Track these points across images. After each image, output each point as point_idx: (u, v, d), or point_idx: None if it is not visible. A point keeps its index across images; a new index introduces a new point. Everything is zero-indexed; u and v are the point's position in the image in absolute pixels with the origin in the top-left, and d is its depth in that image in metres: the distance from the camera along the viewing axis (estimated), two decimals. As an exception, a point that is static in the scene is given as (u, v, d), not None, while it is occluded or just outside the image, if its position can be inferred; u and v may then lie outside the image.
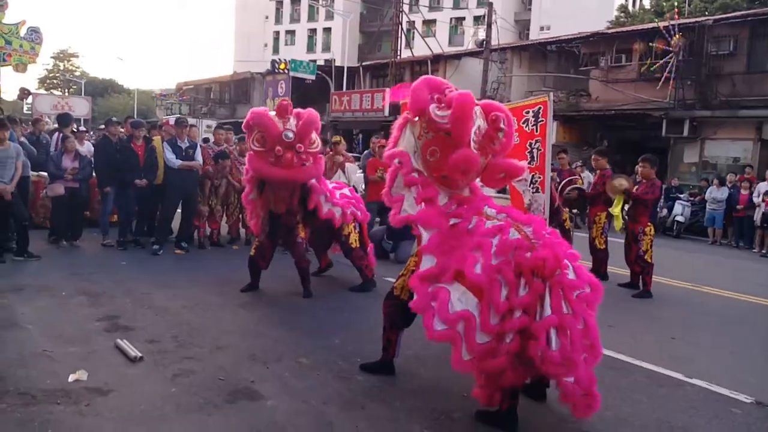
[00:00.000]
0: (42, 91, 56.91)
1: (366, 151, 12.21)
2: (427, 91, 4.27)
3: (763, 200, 14.46)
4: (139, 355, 4.92)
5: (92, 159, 9.73)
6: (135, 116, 18.15)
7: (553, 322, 3.81)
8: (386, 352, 4.87)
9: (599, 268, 9.47)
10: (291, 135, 6.44)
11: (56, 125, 11.50)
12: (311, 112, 6.72)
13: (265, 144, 6.47)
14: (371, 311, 6.73)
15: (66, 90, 62.37)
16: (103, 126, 11.87)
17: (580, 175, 12.09)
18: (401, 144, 4.44)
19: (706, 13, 27.56)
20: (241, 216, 10.51)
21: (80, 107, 26.15)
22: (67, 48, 70.73)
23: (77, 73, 68.40)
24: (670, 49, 20.07)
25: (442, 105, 4.18)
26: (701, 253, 14.19)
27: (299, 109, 6.74)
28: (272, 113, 6.58)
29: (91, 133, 15.46)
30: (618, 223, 9.03)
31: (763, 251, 14.35)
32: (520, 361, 3.91)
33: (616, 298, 8.36)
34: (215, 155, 10.09)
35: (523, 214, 4.46)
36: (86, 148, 10.31)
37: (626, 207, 8.83)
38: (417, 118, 4.31)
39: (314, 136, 6.82)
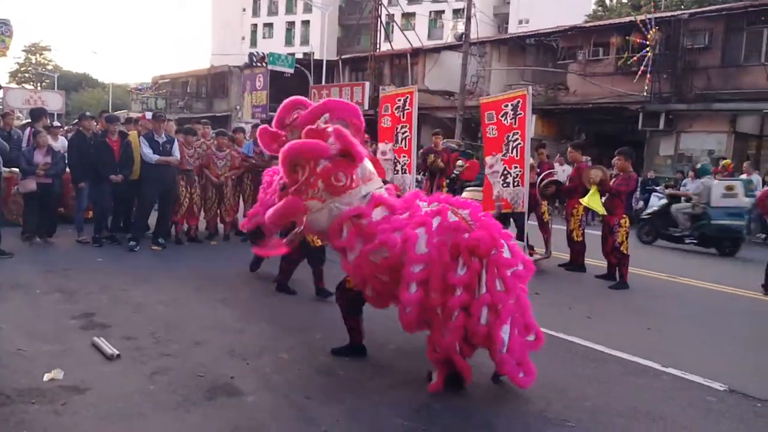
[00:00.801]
0: (13, 85, 55.92)
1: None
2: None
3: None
4: (116, 352, 4.86)
5: (65, 154, 9.58)
6: (110, 111, 17.91)
7: (487, 300, 4.19)
8: (352, 336, 5.08)
9: (576, 260, 9.55)
10: None
11: (28, 120, 11.32)
12: None
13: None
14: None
15: (38, 84, 61.39)
16: (77, 121, 11.70)
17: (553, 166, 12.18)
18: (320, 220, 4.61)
19: (682, 6, 27.81)
20: (219, 211, 10.44)
21: (53, 102, 25.71)
22: (39, 41, 69.46)
23: (50, 67, 67.37)
24: (647, 42, 20.26)
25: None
26: (677, 245, 14.30)
27: None
28: None
29: (70, 126, 15.21)
30: (599, 208, 8.99)
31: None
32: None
33: (593, 290, 8.46)
34: (184, 130, 10.27)
35: (459, 200, 4.71)
36: (60, 143, 10.16)
37: (602, 199, 8.88)
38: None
39: None
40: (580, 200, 9.07)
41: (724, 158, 17.49)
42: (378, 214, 4.47)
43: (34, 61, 68.07)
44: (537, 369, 4.41)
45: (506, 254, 4.31)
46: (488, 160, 9.15)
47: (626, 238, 8.60)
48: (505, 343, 4.23)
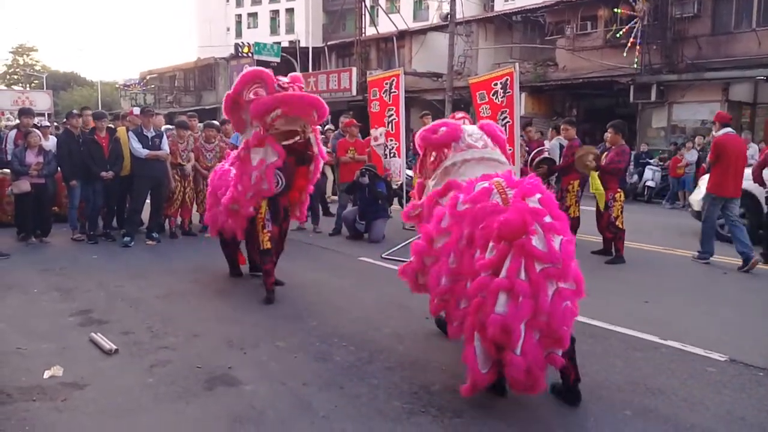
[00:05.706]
0: (2, 87, 55.72)
1: (335, 132, 12.11)
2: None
3: None
4: (115, 347, 4.86)
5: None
6: (99, 108, 17.82)
7: (503, 285, 3.59)
8: None
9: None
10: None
11: (18, 121, 11.24)
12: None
13: (267, 90, 5.96)
14: (347, 292, 6.77)
15: (28, 85, 61.16)
16: (65, 119, 11.64)
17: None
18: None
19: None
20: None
21: (41, 101, 25.71)
22: (25, 42, 69.11)
23: (38, 67, 67.05)
24: (635, 14, 20.14)
25: None
26: (672, 217, 14.37)
27: None
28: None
29: (55, 125, 15.11)
30: (601, 202, 8.86)
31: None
32: None
33: (589, 266, 8.41)
34: (177, 124, 10.27)
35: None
36: (51, 142, 10.11)
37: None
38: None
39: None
40: (592, 190, 8.90)
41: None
42: None
43: (21, 63, 67.75)
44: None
45: (537, 243, 3.63)
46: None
47: (621, 212, 8.60)
48: (518, 343, 3.56)
